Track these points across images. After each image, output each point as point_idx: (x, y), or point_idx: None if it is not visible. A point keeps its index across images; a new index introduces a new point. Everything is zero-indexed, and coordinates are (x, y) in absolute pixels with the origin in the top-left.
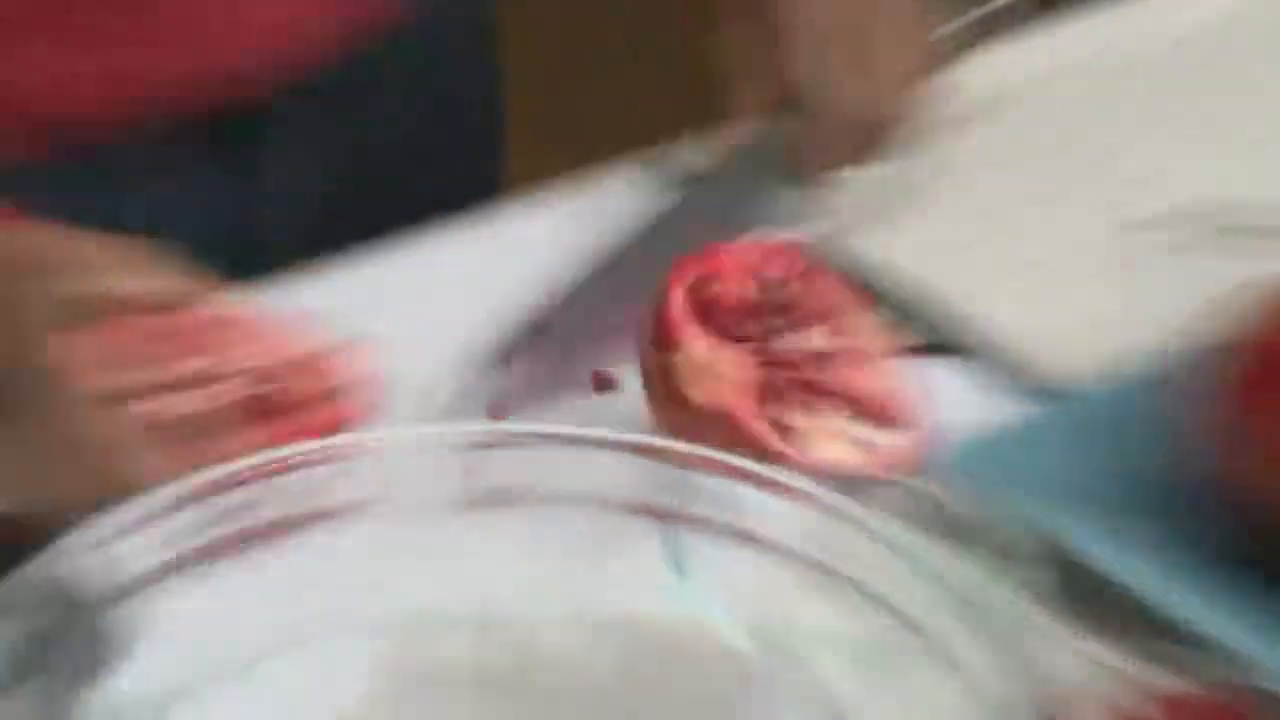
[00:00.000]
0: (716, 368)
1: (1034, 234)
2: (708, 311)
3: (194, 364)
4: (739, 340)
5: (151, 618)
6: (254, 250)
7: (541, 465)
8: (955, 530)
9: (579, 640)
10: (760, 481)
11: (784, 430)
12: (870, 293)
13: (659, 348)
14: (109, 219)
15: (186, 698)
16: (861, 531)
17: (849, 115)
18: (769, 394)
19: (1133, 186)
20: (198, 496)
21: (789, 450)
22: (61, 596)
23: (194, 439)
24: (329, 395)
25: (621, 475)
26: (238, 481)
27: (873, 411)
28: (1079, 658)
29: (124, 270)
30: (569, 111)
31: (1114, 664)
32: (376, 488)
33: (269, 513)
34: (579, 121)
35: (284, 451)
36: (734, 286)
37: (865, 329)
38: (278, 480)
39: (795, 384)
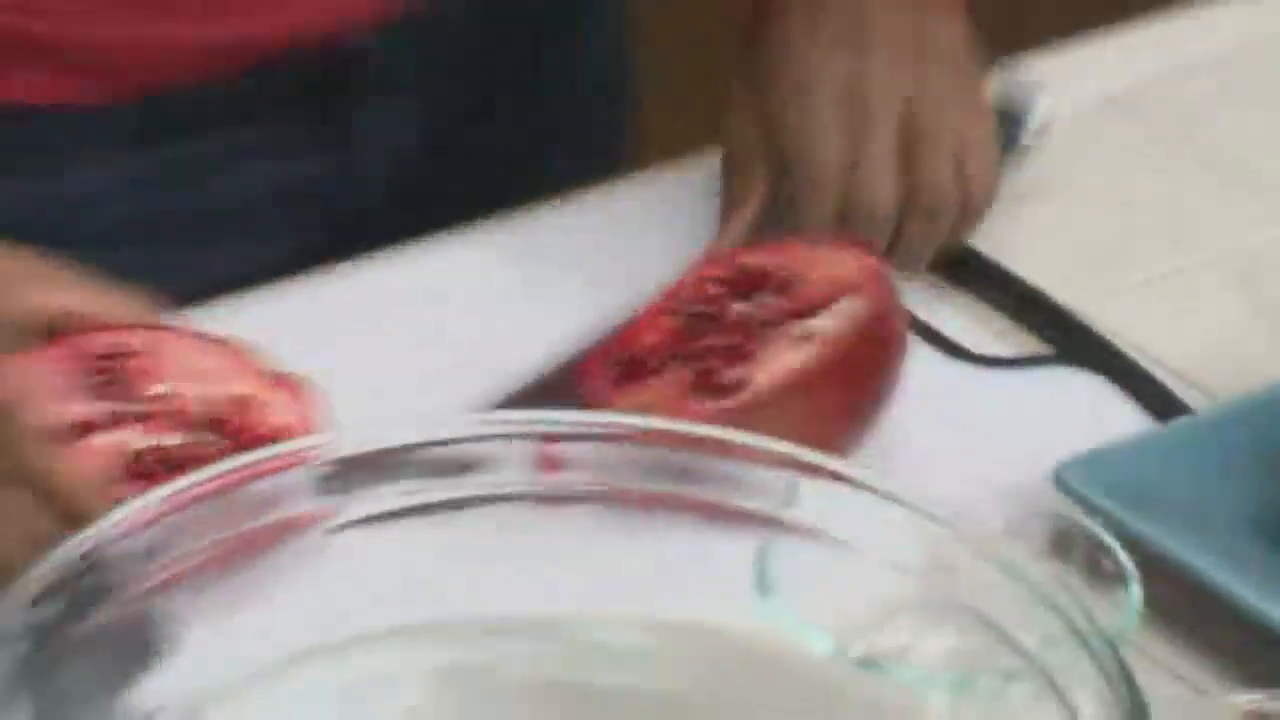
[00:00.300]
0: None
1: (1160, 242)
2: (633, 369)
3: (152, 391)
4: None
5: (190, 616)
6: (350, 217)
7: (616, 460)
8: (1067, 548)
9: (649, 644)
10: (862, 490)
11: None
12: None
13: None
14: (200, 182)
15: (225, 698)
16: (969, 549)
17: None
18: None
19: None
20: (232, 488)
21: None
22: (92, 592)
23: (159, 472)
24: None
25: (703, 474)
26: (278, 469)
27: (814, 304)
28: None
29: (71, 288)
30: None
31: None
32: (438, 480)
33: (313, 508)
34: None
35: (329, 442)
36: (651, 337)
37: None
38: (323, 472)
39: (724, 355)
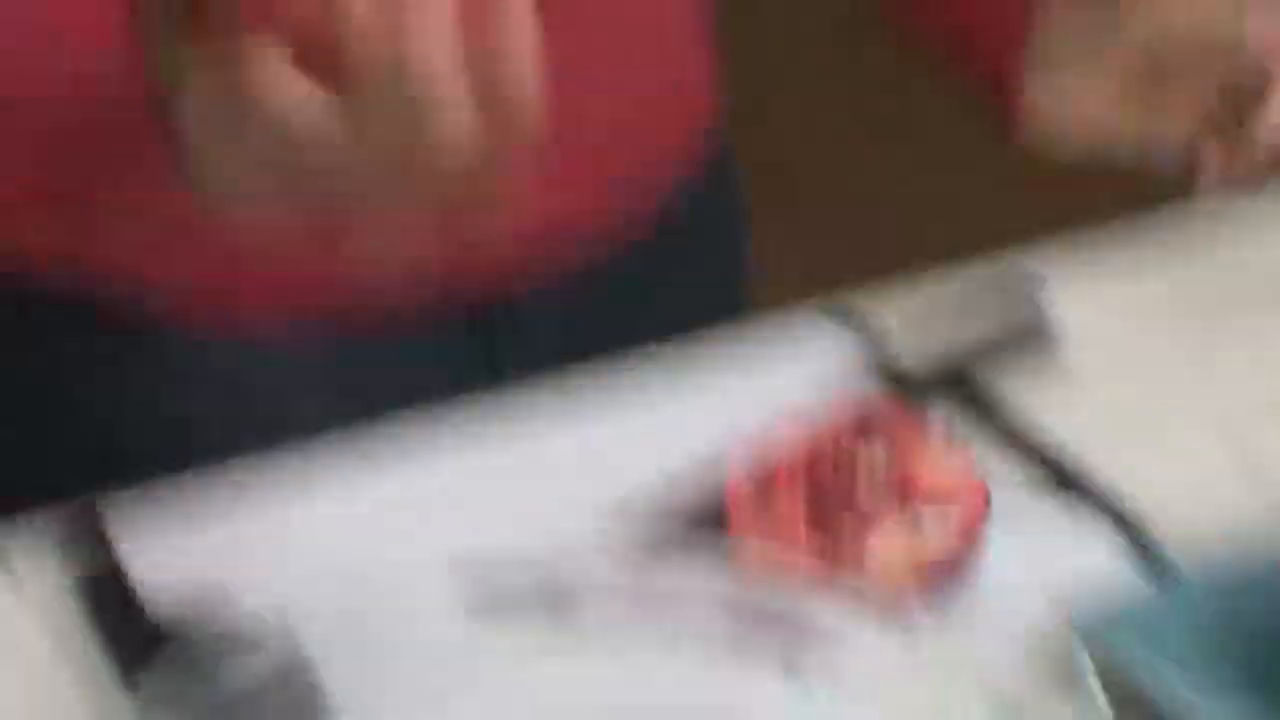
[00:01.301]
0: (772, 526)
1: (1177, 395)
2: (764, 480)
3: None
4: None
5: None
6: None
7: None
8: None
9: None
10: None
11: (838, 551)
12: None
13: (722, 525)
14: (359, 392)
15: None
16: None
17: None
18: (821, 522)
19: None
20: None
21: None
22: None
23: None
24: None
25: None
26: None
27: (927, 498)
28: None
29: None
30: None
31: None
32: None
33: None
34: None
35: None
36: (786, 455)
37: (926, 461)
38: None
39: (845, 502)
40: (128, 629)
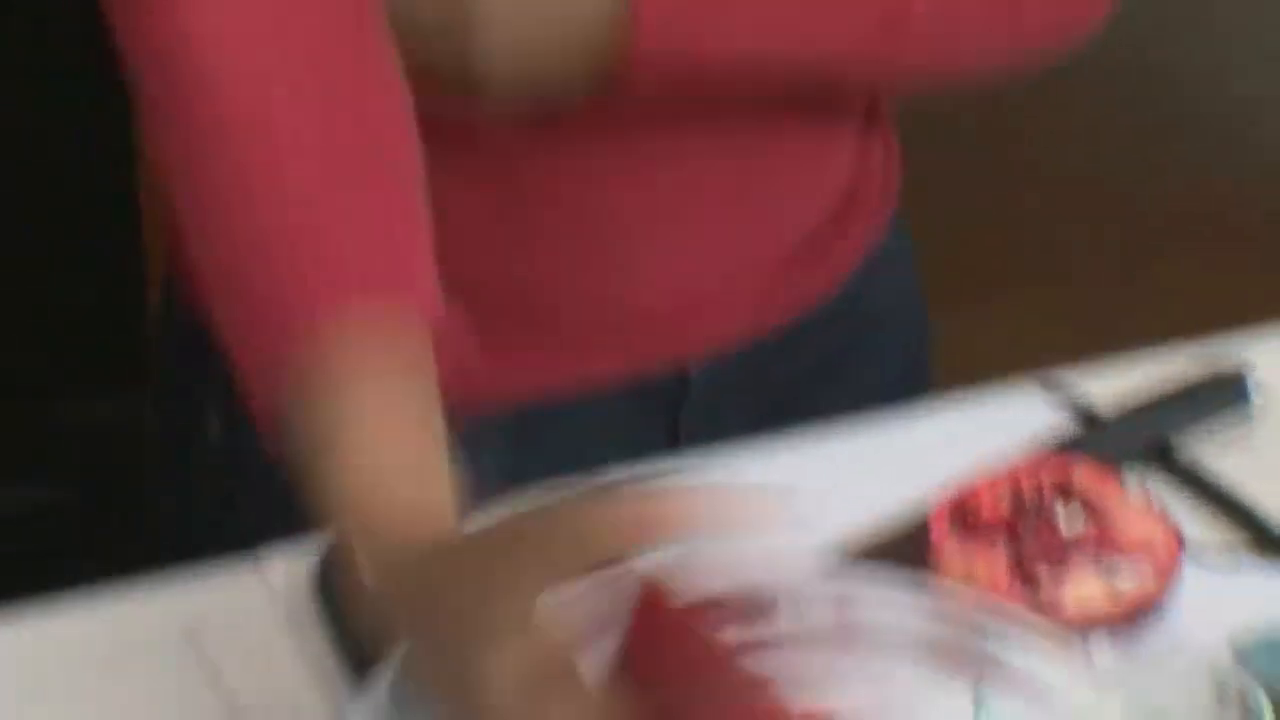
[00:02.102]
0: (974, 572)
1: None
2: (968, 528)
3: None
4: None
5: None
6: None
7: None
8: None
9: None
10: (1048, 647)
11: (1038, 597)
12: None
13: (924, 564)
14: (540, 459)
15: None
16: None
17: None
18: (1020, 571)
19: None
20: None
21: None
22: None
23: None
24: None
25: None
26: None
27: (1122, 550)
28: None
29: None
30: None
31: None
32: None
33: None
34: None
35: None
36: (989, 505)
37: (1134, 515)
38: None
39: (1044, 554)
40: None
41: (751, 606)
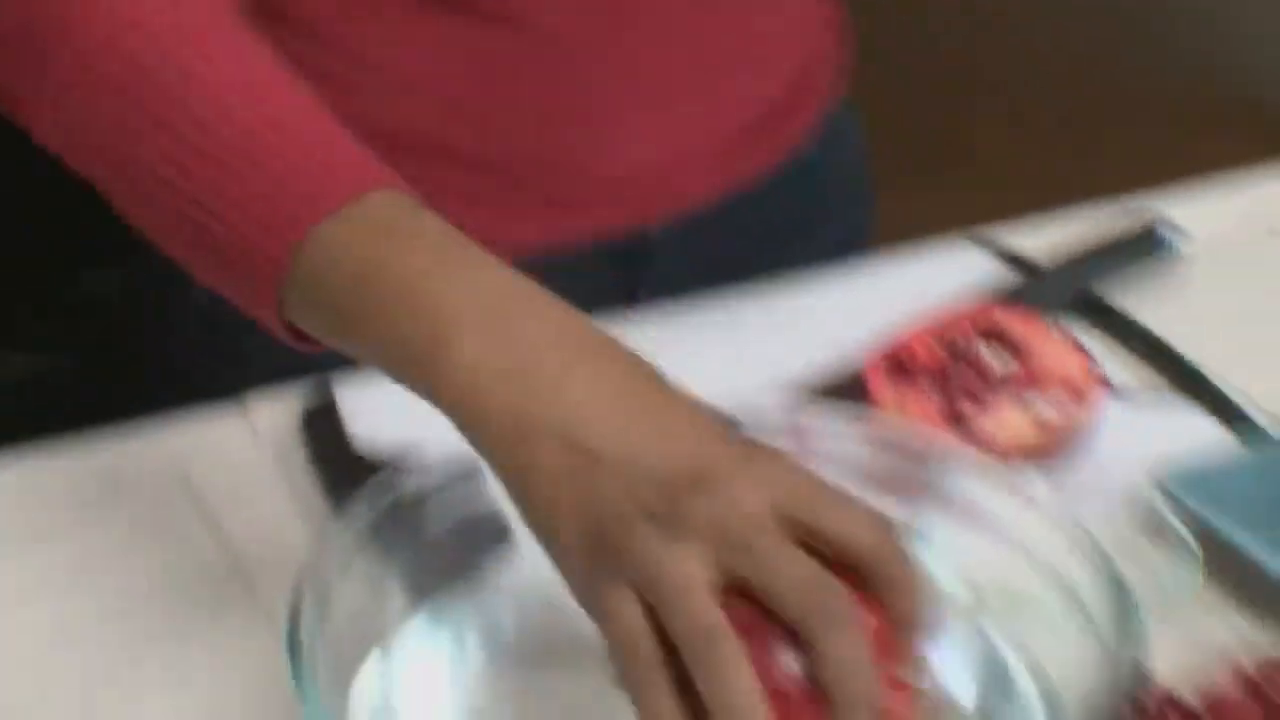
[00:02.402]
0: (907, 413)
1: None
2: (903, 373)
3: None
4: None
5: None
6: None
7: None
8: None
9: None
10: (981, 472)
11: (968, 431)
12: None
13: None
14: None
15: None
16: (1043, 510)
17: None
18: (951, 410)
19: None
20: None
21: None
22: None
23: None
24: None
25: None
26: None
27: (1046, 384)
28: (1227, 629)
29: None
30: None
31: (1251, 637)
32: None
33: None
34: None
35: None
36: (923, 352)
37: (1055, 352)
38: None
39: (972, 392)
40: (340, 460)
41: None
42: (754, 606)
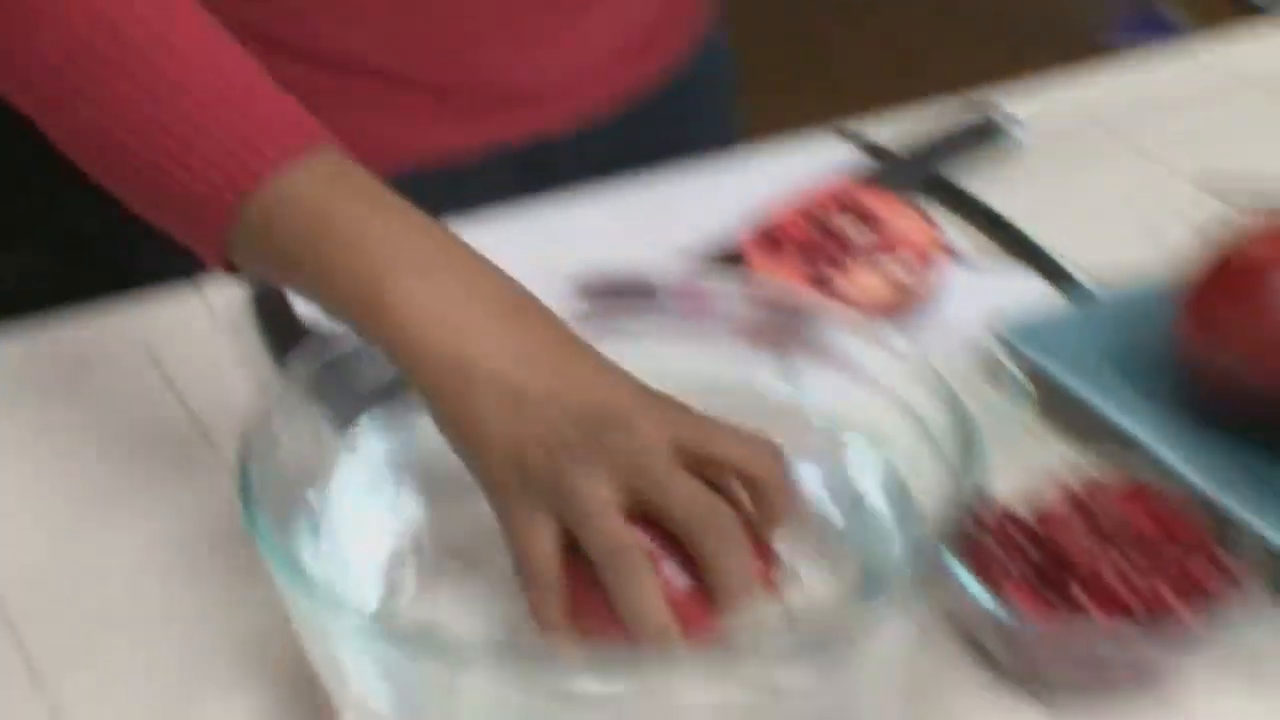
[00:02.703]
0: (779, 275)
1: (1115, 190)
2: (774, 246)
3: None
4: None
5: None
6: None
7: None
8: (998, 375)
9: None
10: (846, 325)
11: (831, 291)
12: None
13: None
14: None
15: None
16: (898, 356)
17: None
18: (816, 275)
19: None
20: None
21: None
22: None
23: None
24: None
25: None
26: None
27: (895, 250)
28: (1055, 455)
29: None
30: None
31: (1075, 461)
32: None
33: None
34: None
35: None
36: (791, 227)
37: (906, 224)
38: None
39: (834, 259)
40: (283, 326)
41: (640, 291)
42: (654, 527)
